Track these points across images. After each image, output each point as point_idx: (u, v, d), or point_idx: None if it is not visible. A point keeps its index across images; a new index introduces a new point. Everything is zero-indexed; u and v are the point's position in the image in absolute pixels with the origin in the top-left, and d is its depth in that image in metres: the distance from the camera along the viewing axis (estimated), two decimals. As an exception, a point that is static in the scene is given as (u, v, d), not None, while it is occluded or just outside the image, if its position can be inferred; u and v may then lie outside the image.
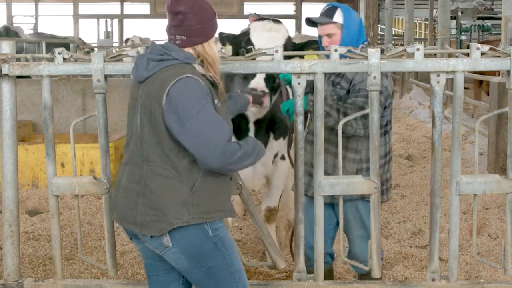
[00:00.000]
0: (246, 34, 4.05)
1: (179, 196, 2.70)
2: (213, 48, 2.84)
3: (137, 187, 2.78)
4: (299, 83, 3.29)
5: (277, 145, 4.34)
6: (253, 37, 3.98)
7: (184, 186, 2.70)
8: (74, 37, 17.42)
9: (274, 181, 4.55)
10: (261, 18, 4.26)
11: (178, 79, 2.66)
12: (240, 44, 4.01)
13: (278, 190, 4.62)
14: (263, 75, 3.73)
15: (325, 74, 3.35)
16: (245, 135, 4.12)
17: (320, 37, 3.60)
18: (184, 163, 2.70)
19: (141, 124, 2.75)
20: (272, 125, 4.25)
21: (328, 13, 3.53)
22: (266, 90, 3.69)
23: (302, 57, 3.71)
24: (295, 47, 3.98)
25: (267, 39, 3.90)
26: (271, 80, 3.79)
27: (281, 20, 4.15)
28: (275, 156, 4.40)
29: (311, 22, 3.60)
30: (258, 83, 3.71)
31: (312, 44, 3.94)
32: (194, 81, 2.67)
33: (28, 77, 7.34)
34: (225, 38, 4.12)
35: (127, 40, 15.57)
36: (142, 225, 2.74)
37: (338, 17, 3.51)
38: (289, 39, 4.01)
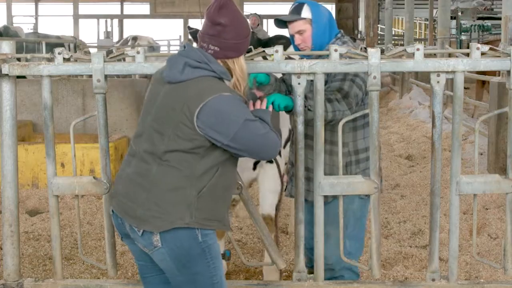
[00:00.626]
0: None
1: (186, 198, 2.71)
2: (243, 65, 2.85)
3: (143, 181, 2.77)
4: (299, 83, 3.28)
5: None
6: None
7: (193, 189, 2.71)
8: (66, 36, 17.41)
9: (263, 185, 4.30)
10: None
11: (219, 95, 2.68)
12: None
13: (271, 194, 4.30)
14: None
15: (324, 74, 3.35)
16: None
17: (292, 36, 3.54)
18: (200, 168, 2.72)
19: (162, 122, 2.75)
20: None
21: (295, 10, 3.48)
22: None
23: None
24: (259, 43, 3.83)
25: None
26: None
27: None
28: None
29: (279, 22, 3.53)
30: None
31: (279, 40, 3.82)
32: (234, 96, 2.72)
33: (23, 77, 7.33)
34: (194, 34, 3.92)
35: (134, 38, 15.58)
36: (141, 220, 2.73)
37: (306, 12, 3.45)
38: (252, 34, 3.83)
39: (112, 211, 2.92)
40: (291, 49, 3.64)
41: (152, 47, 18.74)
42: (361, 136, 3.58)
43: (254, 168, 4.23)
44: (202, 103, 2.65)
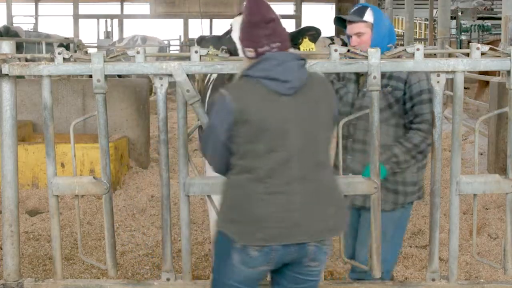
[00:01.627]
0: (227, 32, 3.72)
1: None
2: None
3: (325, 196, 2.73)
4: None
5: None
6: (234, 34, 3.52)
7: None
8: (57, 35, 17.42)
9: None
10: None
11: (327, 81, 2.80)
12: (223, 44, 3.57)
13: None
14: None
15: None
16: None
17: (349, 37, 3.55)
18: None
19: (312, 132, 2.70)
20: None
21: (358, 12, 3.50)
22: None
23: (297, 47, 3.58)
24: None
25: None
26: None
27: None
28: None
29: (340, 20, 3.58)
30: None
31: (309, 31, 3.66)
32: None
33: (21, 77, 7.33)
34: (208, 42, 3.68)
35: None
36: (333, 229, 2.76)
37: (368, 16, 3.48)
38: None
39: (265, 246, 2.68)
40: (321, 40, 3.65)
41: (163, 48, 18.77)
42: (415, 170, 3.57)
43: None
44: (332, 93, 2.84)
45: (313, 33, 3.64)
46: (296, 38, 3.63)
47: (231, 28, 3.69)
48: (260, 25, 2.70)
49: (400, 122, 3.47)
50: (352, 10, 3.59)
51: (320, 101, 2.74)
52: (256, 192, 2.65)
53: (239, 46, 3.25)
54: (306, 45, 3.56)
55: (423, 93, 3.44)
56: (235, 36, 3.46)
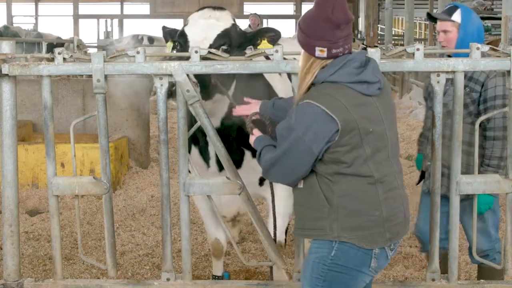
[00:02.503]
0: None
1: None
2: None
3: (403, 193, 2.77)
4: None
5: None
6: (188, 28, 3.50)
7: None
8: (50, 35, 17.41)
9: (271, 206, 3.62)
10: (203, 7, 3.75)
11: None
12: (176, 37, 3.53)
13: (281, 219, 3.81)
14: None
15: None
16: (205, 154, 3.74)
17: (437, 32, 3.79)
18: None
19: (393, 129, 2.73)
20: (245, 138, 3.27)
21: (448, 11, 3.71)
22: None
23: (255, 48, 3.51)
24: (244, 37, 3.57)
25: (203, 29, 3.46)
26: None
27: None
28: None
29: (431, 16, 3.86)
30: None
31: (267, 32, 3.58)
32: None
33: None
34: (167, 34, 3.72)
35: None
36: (409, 224, 2.78)
37: (456, 16, 3.67)
38: (233, 27, 3.51)
39: (372, 250, 2.64)
40: (281, 41, 3.61)
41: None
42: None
43: (261, 184, 3.82)
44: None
45: (272, 35, 3.57)
46: (254, 39, 3.56)
47: (187, 22, 3.60)
48: (341, 26, 2.58)
49: (475, 121, 3.52)
50: (445, 8, 3.80)
51: (390, 97, 2.77)
52: (379, 194, 2.61)
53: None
54: (265, 46, 3.49)
55: (497, 98, 3.60)
56: (189, 30, 3.48)
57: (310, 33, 2.60)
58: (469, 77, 3.62)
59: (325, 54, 2.59)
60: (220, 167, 3.64)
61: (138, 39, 19.07)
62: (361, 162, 2.58)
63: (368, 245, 2.60)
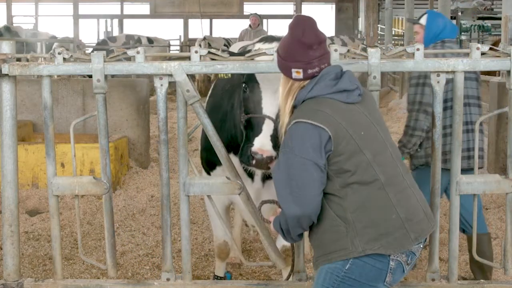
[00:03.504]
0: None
1: None
2: None
3: (416, 191, 2.73)
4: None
5: None
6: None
7: None
8: (45, 33, 17.42)
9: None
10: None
11: None
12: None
13: None
14: (270, 130, 3.08)
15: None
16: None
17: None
18: None
19: (386, 131, 2.72)
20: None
21: (419, 17, 4.52)
22: (274, 154, 3.03)
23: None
24: None
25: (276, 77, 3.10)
26: (277, 138, 3.05)
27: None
28: None
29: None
30: (263, 145, 3.06)
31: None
32: None
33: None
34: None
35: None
36: (432, 223, 2.75)
37: (423, 20, 4.43)
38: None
39: (391, 257, 2.60)
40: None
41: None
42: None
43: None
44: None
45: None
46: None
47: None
48: (313, 47, 2.63)
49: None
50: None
51: (373, 102, 2.79)
52: (390, 197, 2.58)
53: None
54: None
55: (412, 79, 4.16)
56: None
57: (285, 56, 2.68)
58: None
59: (301, 76, 2.65)
60: (264, 183, 3.56)
61: (134, 40, 19.06)
62: (364, 167, 2.56)
63: (395, 251, 2.56)
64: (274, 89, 3.08)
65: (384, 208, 2.57)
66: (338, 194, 2.58)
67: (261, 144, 3.04)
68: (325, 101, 2.61)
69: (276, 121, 3.05)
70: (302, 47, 2.63)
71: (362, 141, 2.58)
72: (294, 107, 2.70)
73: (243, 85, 3.26)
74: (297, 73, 2.65)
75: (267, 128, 3.08)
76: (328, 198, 2.60)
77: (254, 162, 3.04)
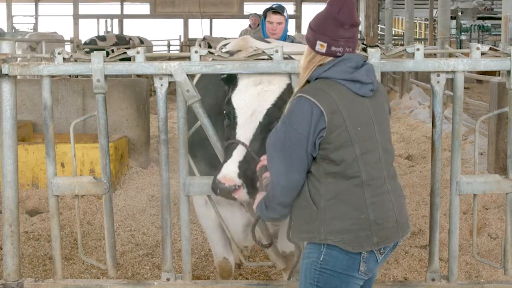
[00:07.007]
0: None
1: None
2: None
3: (399, 193, 2.74)
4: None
5: None
6: (234, 97, 3.10)
7: None
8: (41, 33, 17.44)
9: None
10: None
11: None
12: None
13: None
14: (240, 156, 2.93)
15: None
16: None
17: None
18: None
19: (385, 132, 2.71)
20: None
21: (281, 9, 5.23)
22: (238, 183, 2.89)
23: None
24: None
25: (252, 99, 3.07)
26: (251, 162, 2.93)
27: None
28: None
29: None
30: (228, 173, 2.90)
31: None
32: None
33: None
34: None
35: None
36: (408, 224, 2.75)
37: (285, 13, 5.20)
38: (287, 91, 3.13)
39: (364, 252, 2.62)
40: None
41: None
42: None
43: None
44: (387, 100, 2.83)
45: None
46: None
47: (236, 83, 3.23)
48: (345, 26, 2.64)
49: None
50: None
51: (384, 102, 2.76)
52: (366, 197, 2.59)
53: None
54: None
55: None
56: (236, 99, 3.09)
57: (315, 28, 2.69)
58: None
59: (324, 50, 2.65)
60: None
61: (126, 40, 19.05)
62: (350, 161, 2.58)
63: (354, 249, 2.58)
64: (250, 113, 3.01)
65: (356, 206, 2.59)
66: (320, 179, 2.62)
67: (226, 172, 2.90)
68: (335, 86, 2.62)
69: (248, 146, 2.95)
70: (334, 23, 2.64)
71: (356, 135, 2.59)
72: (308, 81, 2.71)
73: (224, 110, 3.12)
74: (321, 46, 2.66)
75: (237, 154, 2.94)
76: (310, 179, 2.64)
77: (218, 191, 2.92)
